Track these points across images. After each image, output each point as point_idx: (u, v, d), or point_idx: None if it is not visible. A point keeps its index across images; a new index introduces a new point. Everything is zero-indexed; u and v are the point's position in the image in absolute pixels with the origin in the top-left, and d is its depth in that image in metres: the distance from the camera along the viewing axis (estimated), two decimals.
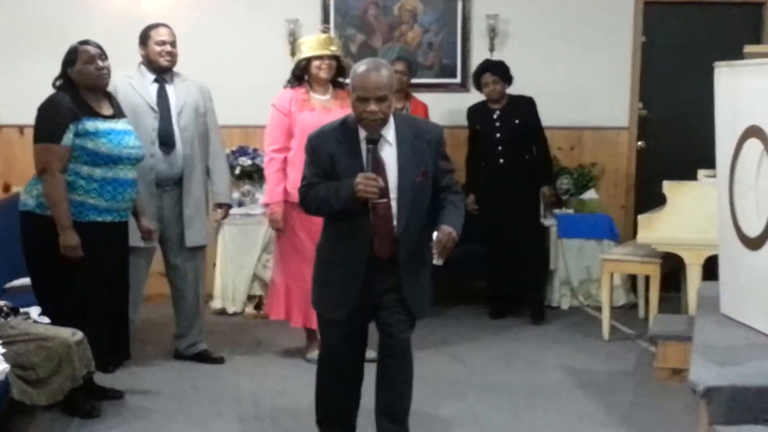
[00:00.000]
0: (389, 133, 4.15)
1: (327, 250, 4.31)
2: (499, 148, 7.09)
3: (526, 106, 7.13)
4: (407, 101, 7.05)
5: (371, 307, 4.27)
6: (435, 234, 4.06)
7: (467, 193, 7.17)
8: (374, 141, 4.10)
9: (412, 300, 4.23)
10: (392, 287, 4.20)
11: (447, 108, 7.74)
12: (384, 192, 4.07)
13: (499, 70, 7.03)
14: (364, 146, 4.11)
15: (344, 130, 4.19)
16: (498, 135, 7.08)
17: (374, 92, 4.04)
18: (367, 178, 4.02)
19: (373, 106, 4.04)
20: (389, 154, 4.15)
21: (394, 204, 4.13)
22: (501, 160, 7.10)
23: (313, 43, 5.87)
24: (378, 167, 4.10)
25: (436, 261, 4.09)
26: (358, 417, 4.46)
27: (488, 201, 7.15)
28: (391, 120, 4.16)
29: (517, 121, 7.07)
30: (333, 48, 5.88)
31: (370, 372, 4.37)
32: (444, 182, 4.27)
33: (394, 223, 4.14)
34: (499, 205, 7.08)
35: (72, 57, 5.01)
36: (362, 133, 4.13)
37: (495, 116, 7.10)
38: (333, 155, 4.14)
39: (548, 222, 7.43)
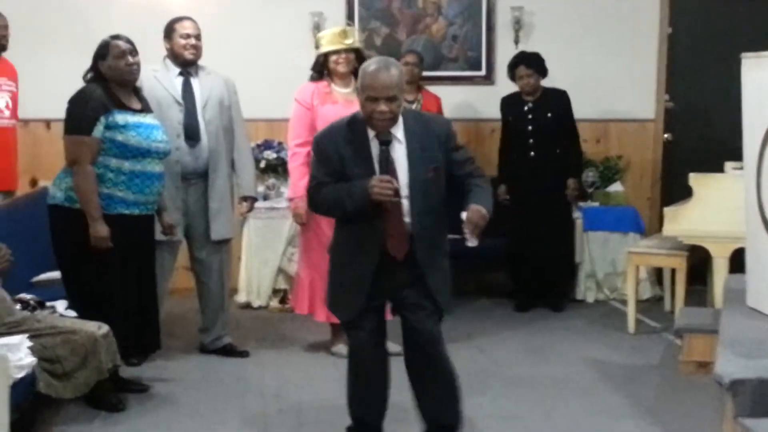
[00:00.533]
0: (398, 130, 4.10)
1: (339, 251, 4.27)
2: (531, 140, 7.08)
3: (559, 99, 7.12)
4: (419, 94, 7.02)
5: (384, 305, 4.27)
6: (463, 214, 4.01)
7: (498, 184, 7.19)
8: (387, 142, 4.06)
9: (439, 294, 4.20)
10: (409, 285, 4.15)
11: (472, 101, 7.74)
12: (397, 190, 4.03)
13: (534, 63, 7.01)
14: (374, 146, 4.08)
15: (353, 129, 4.13)
16: (530, 128, 7.08)
17: (384, 92, 3.98)
18: (382, 181, 3.98)
19: (383, 106, 3.99)
20: (399, 152, 4.10)
21: (405, 202, 4.09)
22: (531, 153, 7.09)
23: (329, 37, 5.86)
24: (390, 167, 4.06)
25: (471, 242, 4.01)
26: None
27: (517, 193, 7.14)
28: (400, 117, 4.11)
29: (549, 115, 7.06)
30: (349, 41, 5.85)
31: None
32: (463, 171, 4.21)
33: (407, 220, 4.10)
34: (527, 198, 7.08)
35: (103, 51, 5.06)
36: (371, 132, 4.09)
37: (527, 108, 7.09)
38: (342, 156, 4.09)
39: (574, 215, 7.40)
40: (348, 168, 4.09)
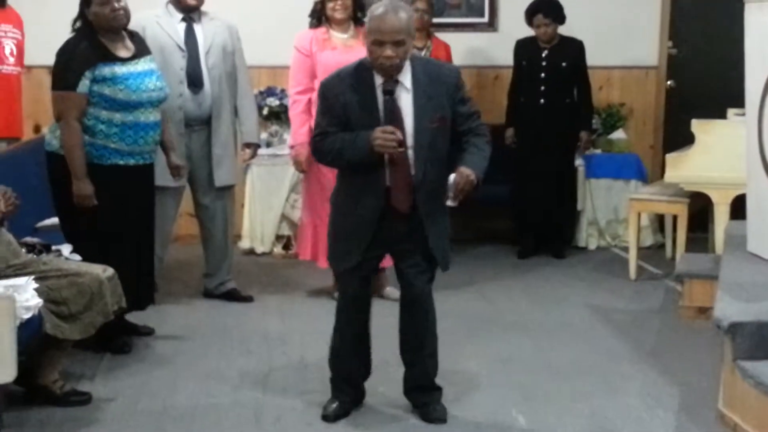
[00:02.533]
0: (406, 78, 3.99)
1: (340, 201, 4.21)
2: (542, 87, 7.09)
3: (574, 49, 7.12)
4: (429, 40, 7.00)
5: (382, 256, 4.27)
6: (452, 176, 3.93)
7: (506, 127, 7.20)
8: (391, 92, 3.98)
9: (438, 250, 4.15)
10: (407, 237, 4.10)
11: (474, 48, 7.71)
12: (401, 141, 3.96)
13: (552, 12, 6.99)
14: (380, 94, 4.00)
15: (359, 75, 4.04)
16: (543, 75, 7.08)
17: (391, 36, 3.87)
18: (385, 132, 3.91)
19: (389, 51, 3.88)
20: (406, 101, 4.00)
21: (411, 153, 4.02)
22: (542, 100, 7.10)
23: None
24: (395, 117, 3.99)
25: (450, 202, 3.96)
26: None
27: (523, 138, 7.15)
28: (408, 64, 4.00)
29: (564, 64, 7.06)
30: None
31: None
32: (466, 126, 4.10)
33: (412, 172, 4.03)
34: (533, 144, 7.10)
35: None
36: (378, 79, 4.00)
37: (543, 55, 7.07)
38: (347, 104, 4.01)
39: (576, 162, 7.41)
40: (352, 117, 4.01)
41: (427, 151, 4.02)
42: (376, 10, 3.96)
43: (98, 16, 4.93)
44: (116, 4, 4.94)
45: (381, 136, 3.91)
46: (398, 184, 4.04)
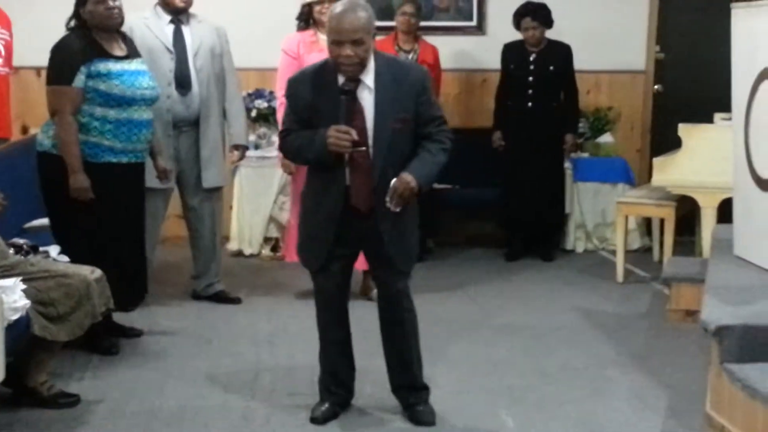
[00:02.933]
0: (368, 77, 3.95)
1: (307, 198, 4.20)
2: (530, 91, 7.11)
3: (562, 53, 7.15)
4: (416, 44, 7.02)
5: (353, 255, 4.20)
6: (393, 180, 3.91)
7: (493, 131, 7.21)
8: (349, 91, 3.95)
9: (396, 254, 4.09)
10: (374, 238, 4.06)
11: (462, 51, 7.73)
12: (361, 141, 3.92)
13: (540, 16, 7.01)
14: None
15: (322, 74, 4.00)
16: (531, 78, 7.10)
17: (348, 35, 3.82)
18: (339, 131, 3.88)
19: (348, 50, 3.84)
20: (368, 100, 3.96)
21: (371, 153, 3.98)
22: (530, 104, 7.12)
23: None
24: (355, 116, 3.95)
25: (390, 207, 3.92)
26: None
27: (511, 142, 7.17)
28: (372, 63, 3.96)
29: (552, 68, 7.08)
30: None
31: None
32: (426, 129, 4.03)
33: (373, 172, 3.99)
34: (521, 147, 7.11)
35: None
36: (341, 79, 3.97)
37: (531, 59, 7.09)
38: (310, 103, 3.98)
39: (564, 165, 7.43)
40: (315, 116, 3.98)
41: (386, 151, 3.98)
42: (334, 9, 3.93)
43: (93, 14, 4.96)
44: (111, 3, 4.98)
45: (334, 134, 3.88)
46: (358, 184, 4.01)
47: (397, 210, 3.94)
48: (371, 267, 4.31)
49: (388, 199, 3.92)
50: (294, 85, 4.09)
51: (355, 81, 3.97)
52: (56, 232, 5.10)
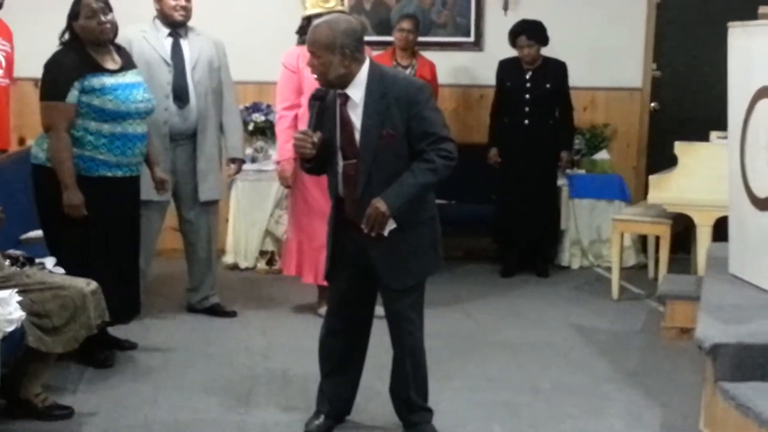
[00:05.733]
0: (357, 91, 3.98)
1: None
2: (526, 108, 7.12)
3: (558, 71, 7.16)
4: (414, 59, 7.05)
5: (360, 268, 4.14)
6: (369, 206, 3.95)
7: (489, 147, 7.22)
8: (319, 98, 4.03)
9: (385, 271, 4.06)
10: (367, 252, 4.06)
11: (459, 67, 7.75)
12: (352, 154, 3.99)
13: (536, 34, 7.02)
14: (338, 104, 4.03)
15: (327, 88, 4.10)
16: (527, 96, 7.11)
17: (310, 46, 3.98)
18: (300, 133, 4.00)
19: (312, 60, 3.98)
20: (356, 114, 3.99)
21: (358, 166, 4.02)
22: (526, 121, 7.13)
23: (313, 0, 5.85)
24: (321, 124, 4.01)
25: (366, 231, 3.94)
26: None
27: (507, 158, 7.18)
28: (363, 77, 3.98)
29: (548, 86, 7.10)
30: (330, 4, 5.80)
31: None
32: (418, 146, 3.98)
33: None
34: (517, 164, 7.12)
35: (75, 10, 4.98)
36: (337, 91, 4.04)
37: (527, 77, 7.11)
38: (314, 113, 4.05)
39: (559, 182, 7.45)
40: (317, 126, 4.04)
41: (371, 166, 3.99)
42: None
43: (85, 29, 4.95)
44: (103, 18, 4.96)
45: (296, 137, 4.00)
46: (348, 197, 4.07)
47: (374, 235, 3.95)
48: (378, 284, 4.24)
49: (363, 224, 3.94)
50: (310, 97, 4.18)
51: (343, 94, 4.02)
52: (50, 244, 5.08)
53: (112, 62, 5.06)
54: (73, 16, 4.98)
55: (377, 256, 4.05)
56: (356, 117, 4.00)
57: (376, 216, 3.92)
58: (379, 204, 3.92)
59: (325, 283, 5.21)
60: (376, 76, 4.02)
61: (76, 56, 4.94)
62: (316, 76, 4.02)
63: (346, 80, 3.98)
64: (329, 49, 3.93)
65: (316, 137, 3.97)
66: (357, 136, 4.00)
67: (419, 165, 3.97)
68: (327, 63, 3.94)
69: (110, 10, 5.03)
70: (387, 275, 4.09)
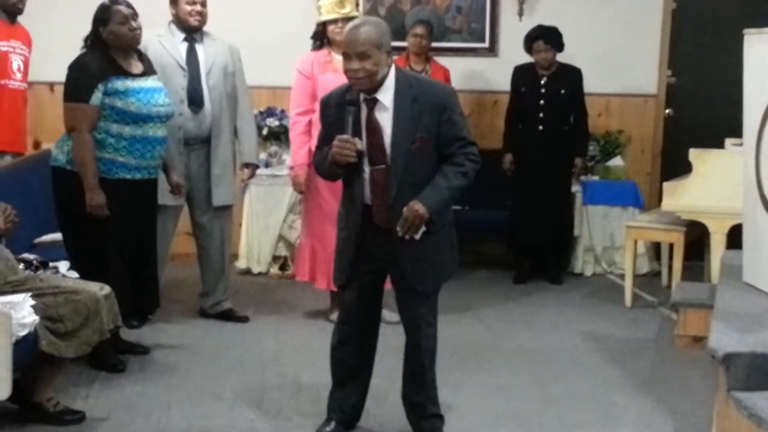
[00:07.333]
0: (386, 95, 3.95)
1: (339, 215, 4.24)
2: (541, 114, 7.10)
3: (573, 77, 7.14)
4: (428, 64, 7.05)
5: (378, 274, 4.18)
6: (404, 209, 3.91)
7: (504, 153, 7.21)
8: (352, 102, 3.96)
9: (412, 273, 4.07)
10: (393, 256, 4.05)
11: (474, 72, 7.74)
12: (380, 159, 3.94)
13: (552, 39, 7.01)
14: (364, 111, 3.98)
15: (348, 93, 4.03)
16: (542, 102, 7.09)
17: (353, 48, 3.86)
18: (342, 141, 3.90)
19: (354, 64, 3.87)
20: (386, 119, 3.96)
21: (390, 171, 3.98)
22: (540, 127, 7.11)
23: (327, 6, 5.85)
24: (371, 132, 3.95)
25: (399, 234, 3.92)
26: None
27: (521, 164, 7.18)
28: (391, 81, 3.96)
29: (563, 92, 7.08)
30: (346, 9, 5.82)
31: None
32: (447, 150, 3.99)
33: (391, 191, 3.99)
34: (531, 170, 7.10)
35: (104, 16, 5.03)
36: (363, 96, 3.99)
37: (542, 82, 7.10)
38: (335, 119, 4.01)
39: (573, 188, 7.43)
40: (336, 132, 3.98)
41: (404, 171, 3.96)
42: (348, 25, 4.02)
43: (116, 35, 5.02)
44: (133, 23, 5.05)
45: (337, 145, 3.91)
46: (376, 202, 4.02)
47: (407, 238, 3.93)
48: (393, 287, 4.24)
49: (399, 227, 3.91)
50: (323, 103, 4.15)
51: (372, 99, 3.97)
52: (69, 246, 5.12)
53: (136, 66, 5.13)
54: (102, 21, 5.04)
55: (407, 259, 4.04)
56: (385, 122, 3.97)
57: (414, 218, 3.90)
58: (418, 207, 3.90)
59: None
60: (402, 80, 4.01)
61: (101, 59, 5.00)
62: (356, 79, 3.91)
63: (380, 83, 3.95)
64: (379, 48, 3.89)
65: (359, 144, 3.93)
66: (387, 141, 3.97)
67: (451, 168, 3.99)
68: (378, 62, 3.89)
69: (137, 15, 5.11)
70: (416, 278, 4.09)
